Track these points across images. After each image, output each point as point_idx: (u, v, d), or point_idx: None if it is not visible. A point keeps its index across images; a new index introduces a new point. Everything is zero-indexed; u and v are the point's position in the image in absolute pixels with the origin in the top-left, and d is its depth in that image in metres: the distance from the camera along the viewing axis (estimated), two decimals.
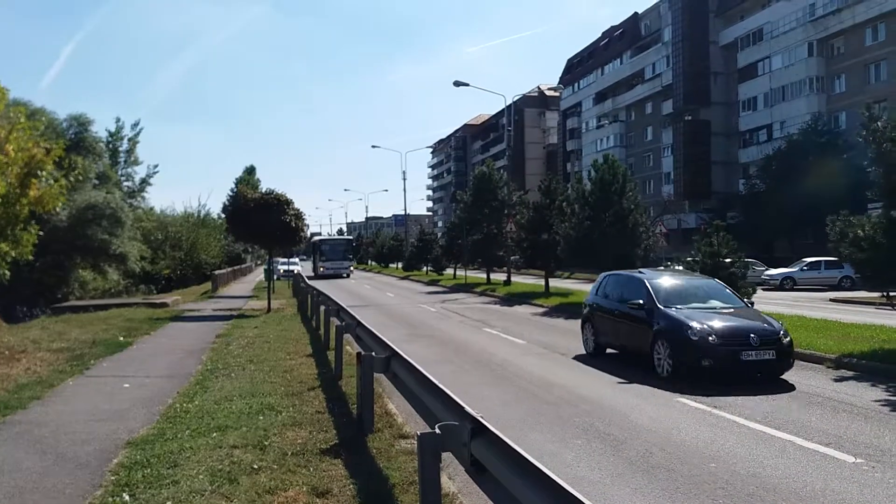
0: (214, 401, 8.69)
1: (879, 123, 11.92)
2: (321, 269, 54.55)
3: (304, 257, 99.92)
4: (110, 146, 43.58)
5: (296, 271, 43.86)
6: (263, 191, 24.60)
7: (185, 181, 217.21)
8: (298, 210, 23.27)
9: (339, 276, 52.24)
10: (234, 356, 12.63)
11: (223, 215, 26.42)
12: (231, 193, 25.10)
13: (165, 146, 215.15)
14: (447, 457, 4.52)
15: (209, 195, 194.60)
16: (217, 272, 41.69)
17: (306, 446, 6.60)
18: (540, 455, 6.43)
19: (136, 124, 47.11)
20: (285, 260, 57.10)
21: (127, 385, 10.12)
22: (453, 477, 5.70)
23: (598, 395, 9.43)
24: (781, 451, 6.79)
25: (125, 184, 44.85)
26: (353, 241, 66.26)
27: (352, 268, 58.02)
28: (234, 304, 26.28)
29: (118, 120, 48.84)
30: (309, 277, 35.06)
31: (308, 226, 26.77)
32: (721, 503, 5.41)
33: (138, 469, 5.96)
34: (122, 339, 15.30)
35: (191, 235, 46.82)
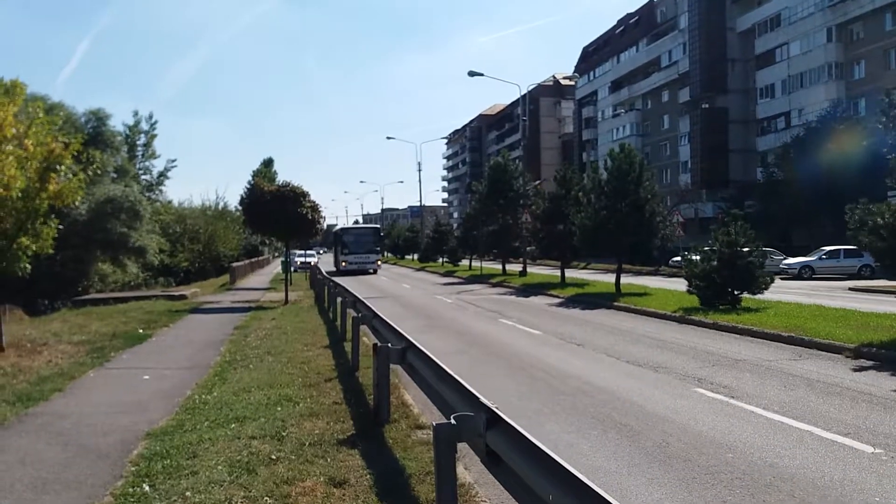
0: (233, 392, 8.78)
1: None
2: (343, 263, 47.13)
3: (325, 249, 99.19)
4: (128, 140, 44.02)
5: (313, 263, 44.18)
6: (280, 183, 24.73)
7: (202, 174, 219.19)
8: (314, 202, 23.40)
9: (365, 272, 45.84)
10: (251, 348, 12.74)
11: (240, 208, 26.59)
12: (248, 186, 25.25)
13: (182, 140, 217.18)
14: (463, 447, 4.54)
15: (226, 188, 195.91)
16: (235, 264, 42.01)
17: (323, 437, 6.65)
18: (556, 445, 6.46)
19: (150, 117, 47.61)
20: (302, 252, 54.96)
21: (147, 377, 10.25)
22: (469, 467, 5.72)
23: (615, 386, 9.42)
24: (799, 440, 6.76)
25: (143, 177, 45.37)
26: (380, 231, 54.22)
27: (379, 262, 49.12)
28: (252, 296, 26.46)
29: (135, 113, 49.34)
30: (330, 273, 32.11)
31: (324, 217, 26.92)
32: (738, 493, 5.39)
33: (158, 460, 6.04)
34: (141, 331, 15.48)
35: (209, 228, 47.21)
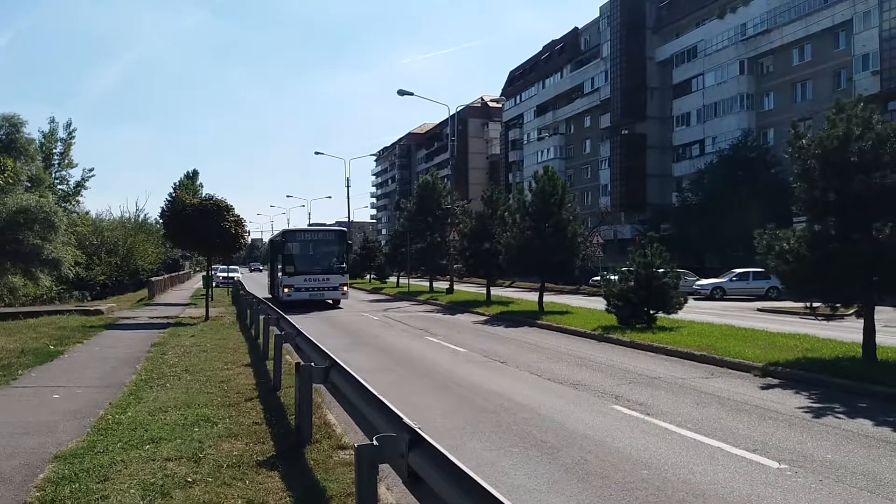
0: (148, 412, 8.48)
1: (804, 141, 12.45)
2: (286, 289, 28.34)
3: (261, 267, 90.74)
4: (44, 148, 42.04)
5: (235, 279, 43.06)
6: (203, 196, 24.12)
7: (122, 185, 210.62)
8: (238, 216, 22.92)
9: (323, 303, 29.33)
10: (169, 366, 12.33)
11: (161, 221, 25.78)
12: (170, 198, 24.54)
13: (103, 149, 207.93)
14: (386, 468, 4.54)
15: (146, 200, 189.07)
16: (154, 279, 40.64)
17: (242, 458, 6.51)
18: (478, 464, 6.54)
19: (69, 125, 45.59)
20: (224, 267, 52.48)
21: (57, 396, 9.77)
22: (391, 488, 5.71)
23: (536, 403, 9.58)
24: (711, 457, 7.04)
25: (59, 187, 43.32)
26: (346, 236, 31.98)
27: (345, 287, 29.58)
28: (171, 312, 25.64)
29: (52, 120, 46.91)
30: (267, 300, 20.43)
31: (249, 232, 26.43)
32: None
33: (66, 484, 5.77)
34: (52, 347, 14.75)
35: (127, 241, 45.40)
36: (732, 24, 53.25)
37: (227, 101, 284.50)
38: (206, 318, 22.47)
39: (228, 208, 22.61)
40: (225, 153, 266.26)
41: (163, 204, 23.96)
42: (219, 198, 23.06)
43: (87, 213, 46.33)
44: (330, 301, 29.38)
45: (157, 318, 23.23)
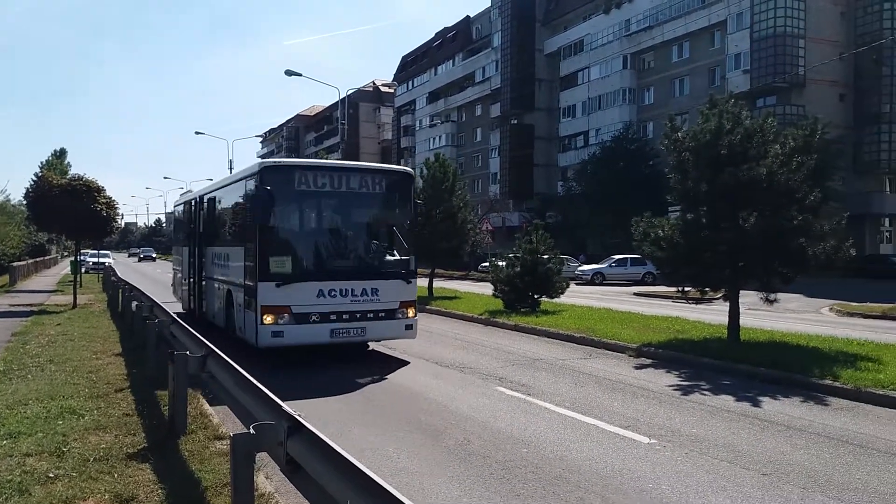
0: (6, 405, 7.85)
1: (679, 134, 13.13)
2: (272, 319, 10.61)
3: (154, 254, 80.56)
4: None
5: (107, 264, 40.62)
6: (71, 176, 22.59)
7: None
8: (110, 198, 21.64)
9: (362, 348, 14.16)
10: (31, 356, 11.47)
11: (25, 202, 23.91)
12: (34, 179, 22.76)
13: None
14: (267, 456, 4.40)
15: (7, 181, 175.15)
16: (16, 264, 37.74)
17: (111, 451, 6.14)
18: (362, 449, 6.48)
19: None
20: (95, 252, 48.36)
21: None
22: (271, 476, 5.55)
23: (423, 387, 9.62)
24: (586, 434, 7.31)
25: None
26: (412, 182, 12.59)
27: (413, 311, 12.07)
28: (36, 300, 23.89)
29: None
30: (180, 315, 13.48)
31: (122, 215, 25.00)
32: (531, 486, 5.72)
33: None
34: None
35: None
36: (617, 20, 55.37)
37: (98, 78, 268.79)
38: (75, 305, 21.11)
39: (99, 189, 21.31)
40: (98, 133, 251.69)
41: (27, 184, 22.16)
42: (89, 178, 21.68)
43: None
44: (371, 343, 13.19)
45: (18, 305, 21.58)
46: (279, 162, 11.76)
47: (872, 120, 44.45)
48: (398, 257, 11.96)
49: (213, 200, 14.65)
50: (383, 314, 11.31)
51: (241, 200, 12.13)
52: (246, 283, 11.26)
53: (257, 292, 10.59)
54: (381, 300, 11.26)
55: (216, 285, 13.84)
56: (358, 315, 11.02)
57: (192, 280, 16.34)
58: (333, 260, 11.32)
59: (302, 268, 10.96)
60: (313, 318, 10.71)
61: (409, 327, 11.73)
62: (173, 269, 21.03)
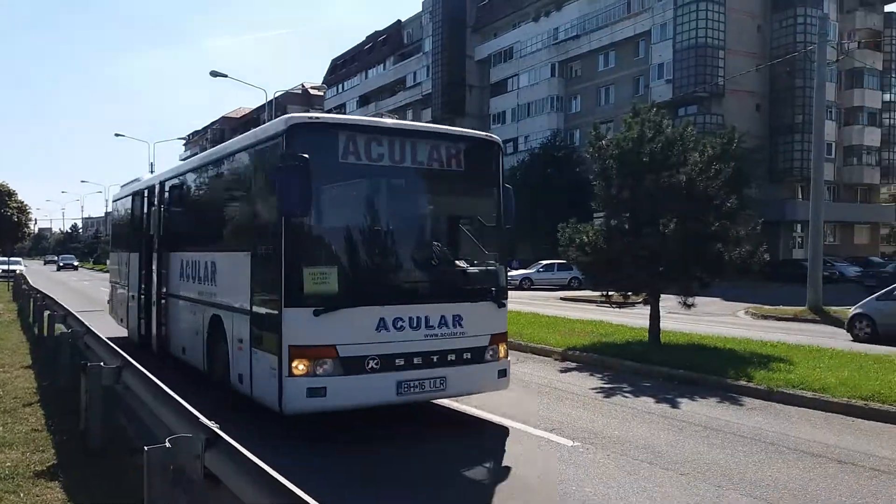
0: None
1: (604, 142, 13.48)
2: (308, 367, 6.74)
3: (75, 262, 72.86)
4: None
5: (18, 272, 38.60)
6: None
7: None
8: (23, 202, 20.75)
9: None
10: None
11: None
12: None
13: None
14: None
15: None
16: None
17: (17, 469, 5.83)
18: (293, 461, 6.33)
19: None
20: (6, 259, 46.66)
21: None
22: (189, 491, 5.37)
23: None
24: (513, 438, 7.39)
25: None
26: (500, 153, 8.57)
27: (504, 347, 8.18)
28: None
29: None
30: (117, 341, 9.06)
31: (35, 220, 23.85)
32: (454, 491, 5.72)
33: None
34: None
35: None
36: (546, 28, 56.40)
37: (9, 77, 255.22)
38: None
39: (10, 193, 20.43)
40: (9, 134, 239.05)
41: None
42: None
43: None
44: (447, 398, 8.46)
45: None
46: (317, 118, 7.75)
47: (786, 130, 46.65)
48: (486, 267, 8.22)
49: (183, 188, 10.98)
50: (469, 355, 7.55)
51: (246, 181, 8.49)
52: (255, 310, 7.52)
53: (282, 324, 6.83)
54: (466, 333, 7.51)
55: (189, 308, 10.06)
56: (435, 358, 7.27)
57: (142, 298, 12.50)
58: (399, 272, 7.51)
59: (353, 285, 7.06)
60: (371, 364, 6.94)
61: (502, 374, 7.95)
62: (111, 282, 16.56)
